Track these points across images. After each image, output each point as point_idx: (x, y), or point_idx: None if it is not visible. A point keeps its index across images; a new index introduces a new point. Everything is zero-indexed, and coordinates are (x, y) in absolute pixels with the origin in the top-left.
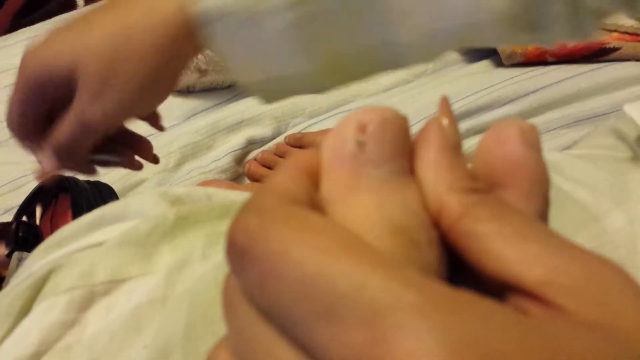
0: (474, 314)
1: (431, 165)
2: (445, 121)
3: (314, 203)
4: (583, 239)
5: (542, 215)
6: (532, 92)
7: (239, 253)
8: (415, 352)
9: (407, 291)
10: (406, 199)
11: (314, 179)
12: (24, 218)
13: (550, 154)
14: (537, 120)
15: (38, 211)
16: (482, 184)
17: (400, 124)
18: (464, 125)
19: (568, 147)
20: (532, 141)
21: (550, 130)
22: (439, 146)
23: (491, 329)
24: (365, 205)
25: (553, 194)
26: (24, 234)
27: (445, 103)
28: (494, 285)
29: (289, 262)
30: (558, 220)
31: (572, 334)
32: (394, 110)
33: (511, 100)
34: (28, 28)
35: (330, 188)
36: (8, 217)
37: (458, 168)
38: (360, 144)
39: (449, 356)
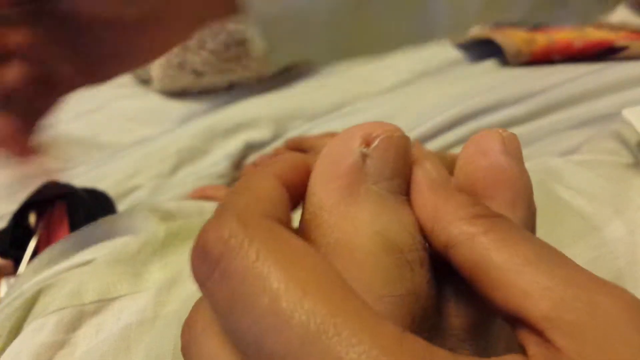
0: None
1: (429, 199)
2: (427, 165)
3: (289, 221)
4: (582, 249)
5: (527, 224)
6: (538, 92)
7: (211, 263)
8: None
9: (374, 346)
10: (402, 218)
11: (294, 192)
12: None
13: (550, 160)
14: (544, 122)
15: (32, 218)
16: (484, 208)
17: (404, 144)
18: (468, 128)
19: (575, 149)
20: (514, 151)
21: (557, 132)
22: (430, 186)
23: None
24: (361, 218)
25: (552, 203)
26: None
27: (418, 147)
28: (503, 314)
29: (265, 290)
30: (556, 231)
31: None
32: (399, 129)
33: (517, 101)
34: None
35: (326, 195)
36: (0, 224)
37: (455, 198)
38: (364, 156)
39: None
